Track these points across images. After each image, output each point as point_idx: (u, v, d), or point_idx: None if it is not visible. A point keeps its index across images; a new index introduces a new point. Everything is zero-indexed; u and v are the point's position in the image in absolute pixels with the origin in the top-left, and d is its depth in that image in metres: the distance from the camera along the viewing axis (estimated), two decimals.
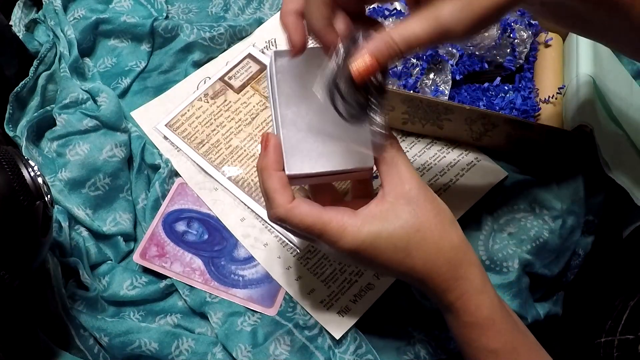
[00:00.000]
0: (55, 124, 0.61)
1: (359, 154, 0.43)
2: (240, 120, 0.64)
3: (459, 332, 0.44)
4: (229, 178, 0.61)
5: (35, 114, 0.62)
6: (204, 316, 0.55)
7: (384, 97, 0.39)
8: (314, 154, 0.43)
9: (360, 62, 0.37)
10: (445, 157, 0.61)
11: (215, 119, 0.64)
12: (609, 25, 0.43)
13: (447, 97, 0.61)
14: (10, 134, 0.61)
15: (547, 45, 0.65)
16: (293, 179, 0.43)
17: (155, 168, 0.61)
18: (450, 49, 0.61)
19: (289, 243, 0.58)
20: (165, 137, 0.63)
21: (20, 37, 0.67)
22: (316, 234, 0.42)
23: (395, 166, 0.42)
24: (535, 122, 0.59)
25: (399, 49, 0.37)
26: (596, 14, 0.42)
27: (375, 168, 0.44)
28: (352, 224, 0.41)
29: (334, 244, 0.42)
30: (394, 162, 0.42)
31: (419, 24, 0.36)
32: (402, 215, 0.41)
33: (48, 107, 0.63)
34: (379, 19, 0.65)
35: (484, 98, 0.62)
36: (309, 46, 0.42)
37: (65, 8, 0.68)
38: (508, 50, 0.62)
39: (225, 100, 0.65)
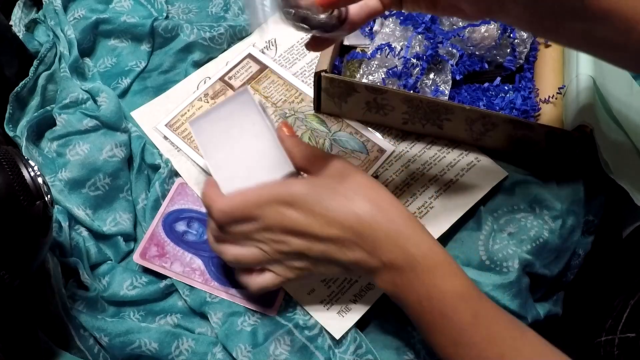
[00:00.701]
0: (55, 124, 0.61)
1: (277, 168, 0.52)
2: None
3: (420, 287, 0.42)
4: None
5: (35, 114, 0.62)
6: (204, 316, 0.55)
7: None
8: (245, 184, 0.51)
9: None
10: (445, 157, 0.61)
11: None
12: (609, 41, 0.42)
13: (447, 97, 0.61)
14: (10, 134, 0.61)
15: (547, 45, 0.65)
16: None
17: (156, 168, 0.61)
18: (450, 49, 0.61)
19: None
20: (166, 137, 0.63)
21: (20, 37, 0.67)
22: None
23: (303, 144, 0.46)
24: (535, 122, 0.59)
25: None
26: (597, 30, 0.42)
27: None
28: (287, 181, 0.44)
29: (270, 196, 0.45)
30: (296, 145, 0.46)
31: None
32: (328, 167, 0.44)
33: (48, 107, 0.63)
34: (378, 19, 0.65)
35: (484, 98, 0.62)
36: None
37: (65, 8, 0.68)
38: (508, 50, 0.62)
39: None
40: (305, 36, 0.44)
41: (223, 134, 0.55)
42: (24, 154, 0.58)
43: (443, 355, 0.43)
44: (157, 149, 0.63)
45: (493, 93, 0.62)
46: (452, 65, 0.61)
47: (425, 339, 0.44)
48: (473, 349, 0.41)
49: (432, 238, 0.43)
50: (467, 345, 0.41)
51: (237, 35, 0.69)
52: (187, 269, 0.56)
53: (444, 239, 0.57)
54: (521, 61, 0.63)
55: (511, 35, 0.62)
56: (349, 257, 0.44)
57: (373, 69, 0.61)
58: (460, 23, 0.63)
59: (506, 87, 0.63)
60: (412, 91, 0.60)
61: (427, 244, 0.42)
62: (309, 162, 0.47)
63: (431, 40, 0.60)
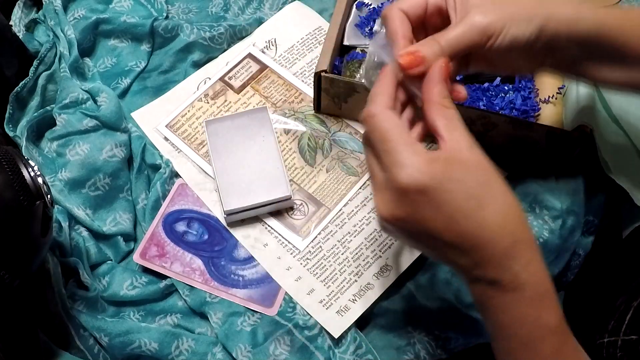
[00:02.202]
0: (55, 124, 0.61)
1: (277, 188, 0.58)
2: None
3: (515, 310, 0.39)
4: None
5: (35, 114, 0.62)
6: (204, 316, 0.55)
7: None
8: (244, 192, 0.57)
9: (410, 56, 0.41)
10: None
11: None
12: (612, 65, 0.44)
13: None
14: (10, 134, 0.61)
15: None
16: (230, 214, 0.57)
17: (156, 168, 0.61)
18: None
19: (288, 244, 0.58)
20: (166, 138, 0.63)
21: (20, 37, 0.67)
22: (385, 146, 0.39)
23: (455, 122, 0.40)
24: (535, 122, 0.59)
25: (441, 49, 0.41)
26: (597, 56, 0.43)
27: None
28: (424, 156, 0.38)
29: (394, 170, 0.38)
30: (454, 118, 0.40)
31: (459, 29, 0.41)
32: (472, 166, 0.39)
33: (48, 107, 0.63)
34: (378, 19, 0.65)
35: (484, 98, 0.62)
36: (237, 112, 0.62)
37: (65, 8, 0.68)
38: None
39: (226, 101, 0.65)
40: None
41: (234, 141, 0.60)
42: (24, 154, 0.58)
43: None
44: (158, 149, 0.63)
45: (493, 93, 0.62)
46: None
47: (496, 355, 0.42)
48: None
49: (544, 265, 0.40)
50: None
51: (237, 35, 0.69)
52: (187, 269, 0.56)
53: None
54: None
55: None
56: (451, 259, 0.41)
57: None
58: None
59: (506, 87, 0.63)
60: None
61: (539, 271, 0.39)
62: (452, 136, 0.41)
63: None
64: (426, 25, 0.45)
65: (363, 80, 0.45)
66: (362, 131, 0.63)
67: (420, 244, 0.42)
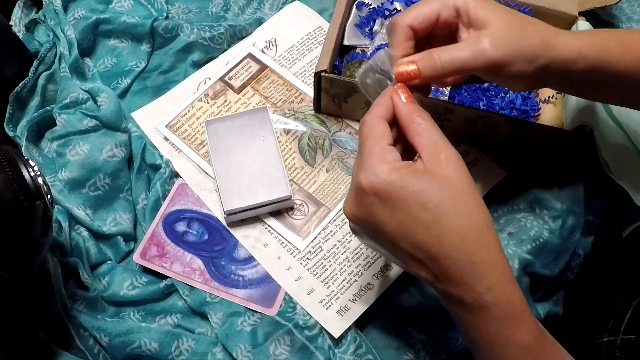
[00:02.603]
0: (55, 124, 0.61)
1: (277, 188, 0.58)
2: None
3: (484, 330, 0.39)
4: None
5: (35, 114, 0.62)
6: (204, 316, 0.55)
7: None
8: (244, 192, 0.57)
9: (405, 71, 0.43)
10: None
11: None
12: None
13: (447, 97, 0.61)
14: (10, 134, 0.61)
15: None
16: (230, 214, 0.57)
17: (156, 168, 0.61)
18: None
19: (288, 244, 0.58)
20: (166, 138, 0.63)
21: (20, 37, 0.67)
22: (361, 149, 0.41)
23: (431, 136, 0.41)
24: (535, 122, 0.59)
25: (440, 67, 0.42)
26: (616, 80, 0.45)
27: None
28: (390, 164, 0.39)
29: (358, 171, 0.40)
30: (429, 132, 0.41)
31: (466, 53, 0.42)
32: (437, 180, 0.39)
33: (48, 107, 0.63)
34: (378, 19, 0.65)
35: (484, 98, 0.62)
36: (237, 112, 0.62)
37: (65, 8, 0.68)
38: None
39: (226, 101, 0.65)
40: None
41: (234, 141, 0.60)
42: (24, 154, 0.58)
43: None
44: (158, 149, 0.63)
45: (493, 93, 0.62)
46: None
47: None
48: None
49: (513, 284, 0.39)
50: None
51: (237, 35, 0.69)
52: (187, 269, 0.56)
53: None
54: None
55: None
56: (412, 269, 0.41)
57: None
58: None
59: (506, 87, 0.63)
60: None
61: (506, 292, 0.39)
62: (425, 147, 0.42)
63: None
64: (431, 34, 0.45)
65: (356, 79, 0.46)
66: None
67: (383, 249, 0.42)
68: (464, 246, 0.38)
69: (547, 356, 0.40)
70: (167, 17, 0.70)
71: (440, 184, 0.39)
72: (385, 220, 0.39)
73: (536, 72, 0.43)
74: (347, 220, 0.58)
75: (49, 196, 0.47)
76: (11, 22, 0.70)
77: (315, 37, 0.69)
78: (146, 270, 0.57)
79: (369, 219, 0.40)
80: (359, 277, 0.56)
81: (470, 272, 0.38)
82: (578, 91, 0.48)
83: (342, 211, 0.59)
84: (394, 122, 0.43)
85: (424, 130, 0.41)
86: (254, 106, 0.65)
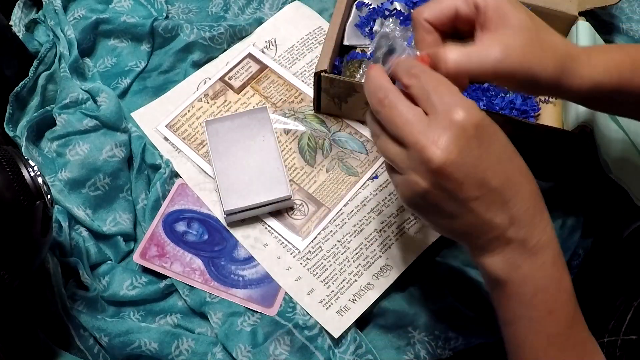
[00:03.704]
0: (55, 124, 0.61)
1: (277, 188, 0.58)
2: None
3: (541, 273, 0.39)
4: None
5: (35, 114, 0.62)
6: (204, 316, 0.55)
7: None
8: (244, 192, 0.57)
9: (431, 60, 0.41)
10: None
11: None
12: None
13: None
14: (10, 134, 0.61)
15: None
16: (230, 214, 0.57)
17: (156, 168, 0.61)
18: None
19: (288, 244, 0.58)
20: (166, 138, 0.63)
21: (20, 37, 0.67)
22: (440, 88, 0.38)
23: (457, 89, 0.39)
24: (535, 122, 0.59)
25: (446, 70, 0.40)
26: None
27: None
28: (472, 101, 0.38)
29: (453, 109, 0.37)
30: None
31: (484, 58, 0.40)
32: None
33: (48, 107, 0.63)
34: (378, 19, 0.65)
35: (484, 98, 0.62)
36: (237, 112, 0.63)
37: (65, 8, 0.68)
38: None
39: (226, 101, 0.65)
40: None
41: (234, 141, 0.60)
42: (24, 154, 0.58)
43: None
44: (158, 149, 0.63)
45: (493, 93, 0.62)
46: None
47: (510, 341, 0.41)
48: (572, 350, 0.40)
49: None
50: (563, 348, 0.40)
51: (237, 35, 0.69)
52: (187, 269, 0.56)
53: (444, 239, 0.57)
54: None
55: None
56: (488, 217, 0.38)
57: None
58: None
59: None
60: None
61: (552, 231, 0.40)
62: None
63: None
64: (458, 28, 0.44)
65: (372, 50, 0.45)
66: (362, 131, 0.63)
67: (458, 204, 0.38)
68: (531, 183, 0.39)
69: (577, 305, 0.41)
70: (167, 17, 0.70)
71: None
72: (484, 155, 0.37)
73: (540, 93, 0.43)
74: (347, 221, 0.58)
75: (49, 196, 0.47)
76: (11, 22, 0.70)
77: (315, 37, 0.69)
78: (146, 270, 0.57)
79: (468, 156, 0.37)
80: (358, 277, 0.56)
81: (535, 210, 0.39)
82: (587, 104, 0.48)
83: (342, 211, 0.59)
84: None
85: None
86: (254, 106, 0.65)
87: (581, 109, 0.57)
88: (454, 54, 0.40)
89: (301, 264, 0.57)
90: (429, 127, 0.37)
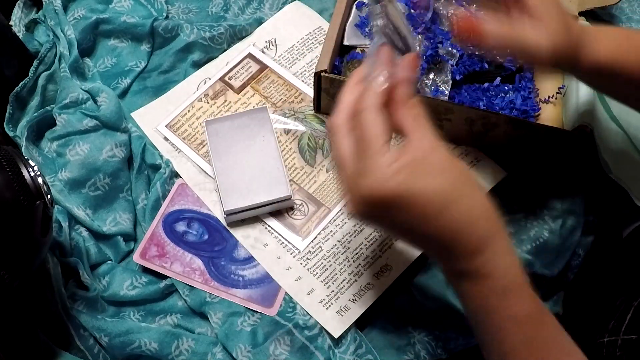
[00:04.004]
0: (55, 124, 0.61)
1: (277, 188, 0.58)
2: None
3: (484, 300, 0.40)
4: None
5: (35, 114, 0.62)
6: (204, 316, 0.55)
7: None
8: (244, 192, 0.57)
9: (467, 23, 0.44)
10: None
11: None
12: None
13: (447, 97, 0.61)
14: (10, 134, 0.61)
15: None
16: (230, 214, 0.57)
17: (156, 168, 0.61)
18: (450, 49, 0.61)
19: (288, 244, 0.58)
20: (166, 138, 0.63)
21: (20, 37, 0.67)
22: (360, 135, 0.41)
23: (421, 120, 0.42)
24: (535, 122, 0.59)
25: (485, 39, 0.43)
26: None
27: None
28: (389, 163, 0.39)
29: (365, 174, 0.40)
30: (420, 116, 0.42)
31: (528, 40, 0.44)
32: (436, 168, 0.40)
33: (48, 107, 0.63)
34: None
35: (484, 98, 0.62)
36: (237, 112, 0.63)
37: (65, 8, 0.68)
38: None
39: (226, 101, 0.65)
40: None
41: (234, 141, 0.60)
42: (24, 154, 0.58)
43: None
44: (158, 150, 0.63)
45: (493, 93, 0.62)
46: (452, 65, 0.61)
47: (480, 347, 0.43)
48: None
49: (512, 256, 0.41)
50: None
51: (237, 35, 0.69)
52: (187, 269, 0.56)
53: None
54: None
55: None
56: (431, 252, 0.43)
57: None
58: None
59: (506, 87, 0.63)
60: None
61: (506, 263, 0.41)
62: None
63: (431, 40, 0.60)
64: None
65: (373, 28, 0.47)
66: None
67: (398, 237, 0.45)
68: (470, 225, 0.40)
69: (546, 329, 0.41)
70: (167, 17, 0.70)
71: (441, 169, 0.40)
72: (404, 219, 0.40)
73: (559, 65, 0.46)
74: (347, 221, 0.58)
75: (49, 196, 0.47)
76: (11, 22, 0.70)
77: (315, 37, 0.69)
78: (146, 270, 0.57)
79: (377, 220, 0.42)
80: (359, 277, 0.56)
81: (475, 246, 0.40)
82: (584, 81, 0.51)
83: (342, 211, 0.59)
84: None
85: (419, 113, 0.42)
86: (254, 106, 0.65)
87: (581, 109, 0.57)
88: (496, 27, 0.44)
89: (301, 264, 0.57)
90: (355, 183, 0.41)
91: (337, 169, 0.43)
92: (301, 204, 0.59)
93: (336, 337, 0.53)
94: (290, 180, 0.60)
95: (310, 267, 0.56)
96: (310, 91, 0.65)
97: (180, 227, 0.58)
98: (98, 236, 0.58)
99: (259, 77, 0.67)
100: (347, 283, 0.55)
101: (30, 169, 0.45)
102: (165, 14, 0.70)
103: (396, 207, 0.39)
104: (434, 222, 0.39)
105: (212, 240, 0.58)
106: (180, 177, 0.61)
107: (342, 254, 0.57)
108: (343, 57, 0.65)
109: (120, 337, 0.52)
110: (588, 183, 0.60)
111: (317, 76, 0.59)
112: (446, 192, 0.40)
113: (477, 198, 0.41)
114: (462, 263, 0.40)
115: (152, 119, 0.65)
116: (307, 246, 0.57)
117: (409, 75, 0.43)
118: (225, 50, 0.69)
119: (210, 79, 0.67)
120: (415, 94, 0.43)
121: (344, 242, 0.58)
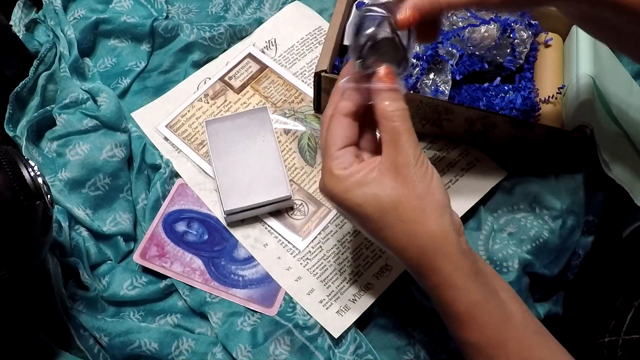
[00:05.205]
0: (55, 124, 0.61)
1: (277, 188, 0.58)
2: None
3: (441, 317, 0.44)
4: None
5: (35, 114, 0.62)
6: (204, 316, 0.55)
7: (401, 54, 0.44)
8: (244, 192, 0.57)
9: (405, 12, 0.42)
10: (445, 157, 0.61)
11: None
12: None
13: (447, 97, 0.61)
14: (10, 134, 0.61)
15: (547, 45, 0.65)
16: (230, 214, 0.57)
17: (156, 168, 0.61)
18: (450, 49, 0.61)
19: (288, 244, 0.58)
20: (166, 138, 0.63)
21: (20, 37, 0.67)
22: (322, 145, 0.45)
23: (396, 136, 0.42)
24: (535, 122, 0.59)
25: (439, 4, 0.42)
26: (631, 27, 0.43)
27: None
28: (344, 167, 0.43)
29: (323, 173, 0.44)
30: (396, 131, 0.42)
31: None
32: (384, 188, 0.42)
33: (48, 107, 0.63)
34: None
35: (484, 98, 0.62)
36: (237, 112, 0.63)
37: (65, 8, 0.68)
38: (508, 50, 0.62)
39: (226, 101, 0.65)
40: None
41: (234, 141, 0.60)
42: (24, 154, 0.58)
43: None
44: (158, 149, 0.63)
45: (493, 93, 0.62)
46: (452, 65, 0.61)
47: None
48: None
49: (455, 289, 0.42)
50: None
51: (237, 35, 0.69)
52: (187, 269, 0.56)
53: None
54: (521, 61, 0.63)
55: (511, 35, 0.62)
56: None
57: None
58: (460, 23, 0.63)
59: (506, 87, 0.63)
60: (412, 91, 0.60)
61: (449, 295, 0.42)
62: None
63: None
64: None
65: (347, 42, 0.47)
66: None
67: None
68: (402, 251, 0.42)
69: (506, 353, 0.42)
70: (167, 17, 0.70)
71: (392, 189, 0.42)
72: (350, 219, 0.45)
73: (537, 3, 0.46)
74: (347, 221, 0.58)
75: (49, 196, 0.47)
76: (11, 22, 0.70)
77: (315, 37, 0.69)
78: (146, 270, 0.57)
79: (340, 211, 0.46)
80: (358, 277, 0.56)
81: (416, 271, 0.43)
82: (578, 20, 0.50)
83: None
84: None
85: (398, 128, 0.42)
86: (254, 106, 0.65)
87: (581, 109, 0.57)
88: None
89: (301, 264, 0.57)
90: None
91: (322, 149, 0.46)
92: (301, 204, 0.59)
93: (336, 337, 0.53)
94: (290, 180, 0.60)
95: (310, 267, 0.56)
96: (310, 91, 0.65)
97: (180, 227, 0.58)
98: (98, 236, 0.58)
99: (259, 77, 0.67)
100: (347, 283, 0.55)
101: (30, 169, 0.45)
102: (165, 14, 0.70)
103: (343, 209, 0.43)
104: (375, 234, 0.43)
105: (212, 240, 0.58)
106: (180, 177, 0.61)
107: (342, 254, 0.57)
108: (343, 57, 0.65)
109: (120, 337, 0.52)
110: (588, 183, 0.60)
111: (317, 76, 0.59)
112: (374, 219, 0.42)
113: (417, 227, 0.41)
114: (416, 275, 0.44)
115: (152, 119, 0.65)
116: (307, 246, 0.57)
117: (386, 87, 0.42)
118: (225, 50, 0.69)
119: (210, 79, 0.67)
120: (406, 104, 0.43)
121: (344, 242, 0.58)
